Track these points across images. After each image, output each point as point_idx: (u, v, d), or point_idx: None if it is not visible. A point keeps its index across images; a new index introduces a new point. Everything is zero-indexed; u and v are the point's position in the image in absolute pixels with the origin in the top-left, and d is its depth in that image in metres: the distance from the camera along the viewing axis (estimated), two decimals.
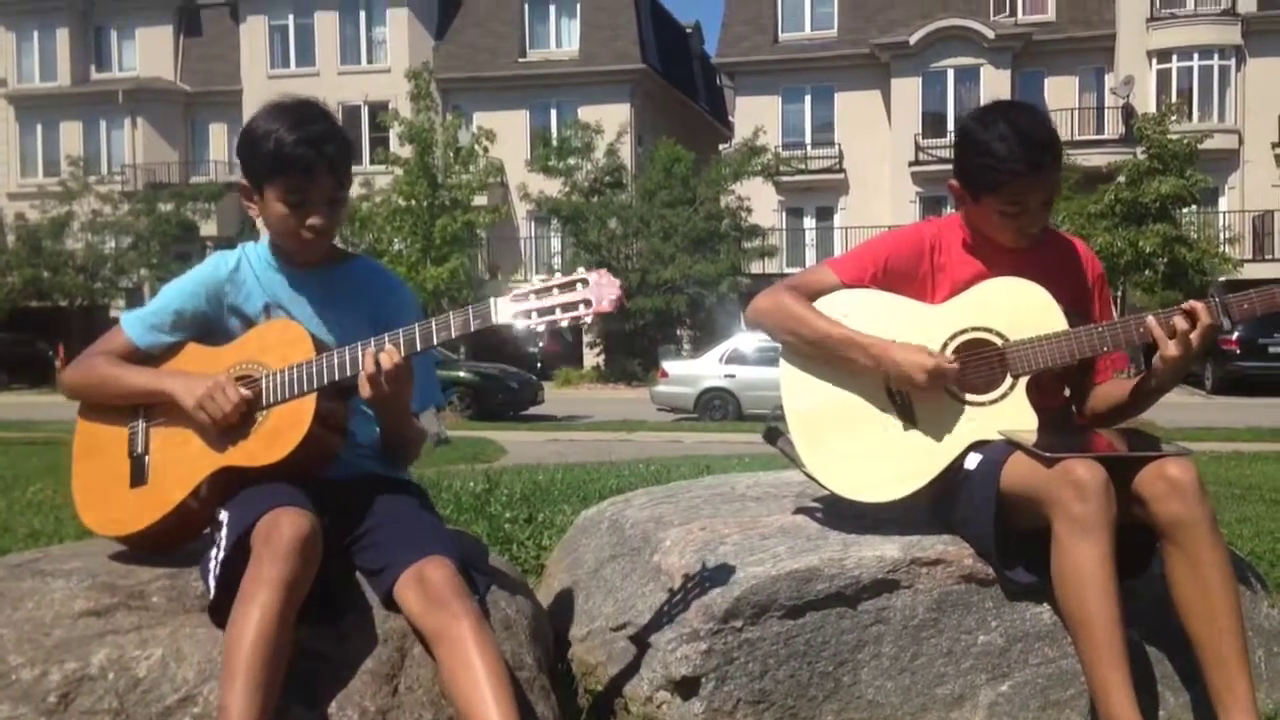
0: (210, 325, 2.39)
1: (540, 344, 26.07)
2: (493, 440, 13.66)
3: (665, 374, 20.81)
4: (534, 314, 2.06)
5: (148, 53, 38.24)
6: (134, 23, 38.35)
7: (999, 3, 32.43)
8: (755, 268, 30.98)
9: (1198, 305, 2.45)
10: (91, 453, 2.38)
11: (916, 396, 2.59)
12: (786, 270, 31.99)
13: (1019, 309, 2.59)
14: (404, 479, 2.53)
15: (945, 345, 2.61)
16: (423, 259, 28.03)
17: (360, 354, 2.18)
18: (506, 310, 2.08)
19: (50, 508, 5.20)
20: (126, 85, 37.30)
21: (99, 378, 2.36)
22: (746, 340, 20.27)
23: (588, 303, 2.04)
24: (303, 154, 2.23)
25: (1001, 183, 2.53)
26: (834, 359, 2.62)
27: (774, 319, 2.69)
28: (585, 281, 2.05)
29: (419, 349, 2.18)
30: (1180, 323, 2.45)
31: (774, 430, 2.79)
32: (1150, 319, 2.50)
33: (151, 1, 37.99)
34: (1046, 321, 2.57)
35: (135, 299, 34.67)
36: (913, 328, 2.60)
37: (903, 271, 2.67)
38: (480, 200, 30.28)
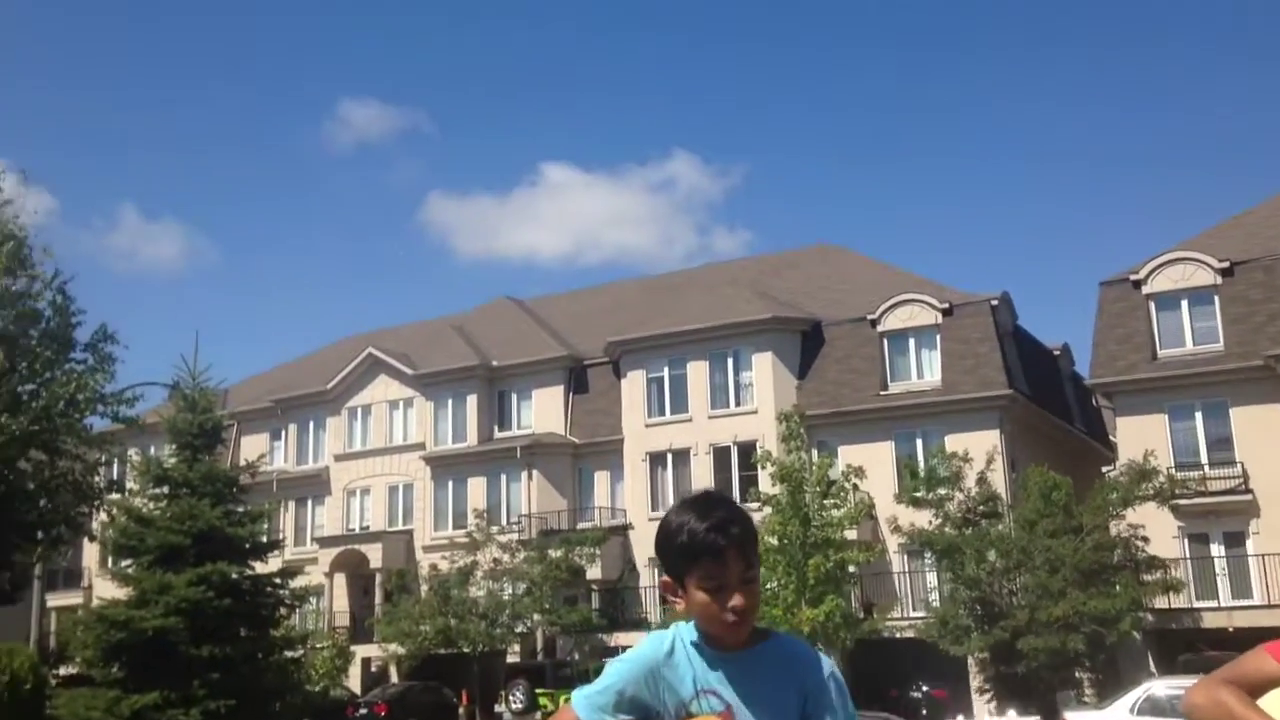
0: (646, 707, 2.49)
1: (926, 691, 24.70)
2: None
3: None
4: None
5: (542, 411, 42.36)
6: (531, 385, 42.87)
7: None
8: (1159, 602, 28.28)
9: None
10: None
11: None
12: (1196, 605, 28.99)
13: None
14: None
15: None
16: (798, 600, 27.85)
17: None
18: None
19: None
20: (524, 441, 41.23)
21: None
22: (1160, 687, 18.28)
23: None
24: (712, 540, 2.38)
25: None
26: None
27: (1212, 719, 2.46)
28: None
29: None
30: None
31: None
32: None
33: (547, 365, 42.50)
34: None
35: (527, 643, 36.60)
36: None
37: None
38: (850, 535, 30.07)
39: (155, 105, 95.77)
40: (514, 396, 43.50)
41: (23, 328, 20.01)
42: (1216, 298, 31.94)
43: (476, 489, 41.74)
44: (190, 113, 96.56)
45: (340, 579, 42.79)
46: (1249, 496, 29.86)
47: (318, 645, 34.74)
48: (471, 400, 43.13)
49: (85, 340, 20.60)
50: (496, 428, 43.29)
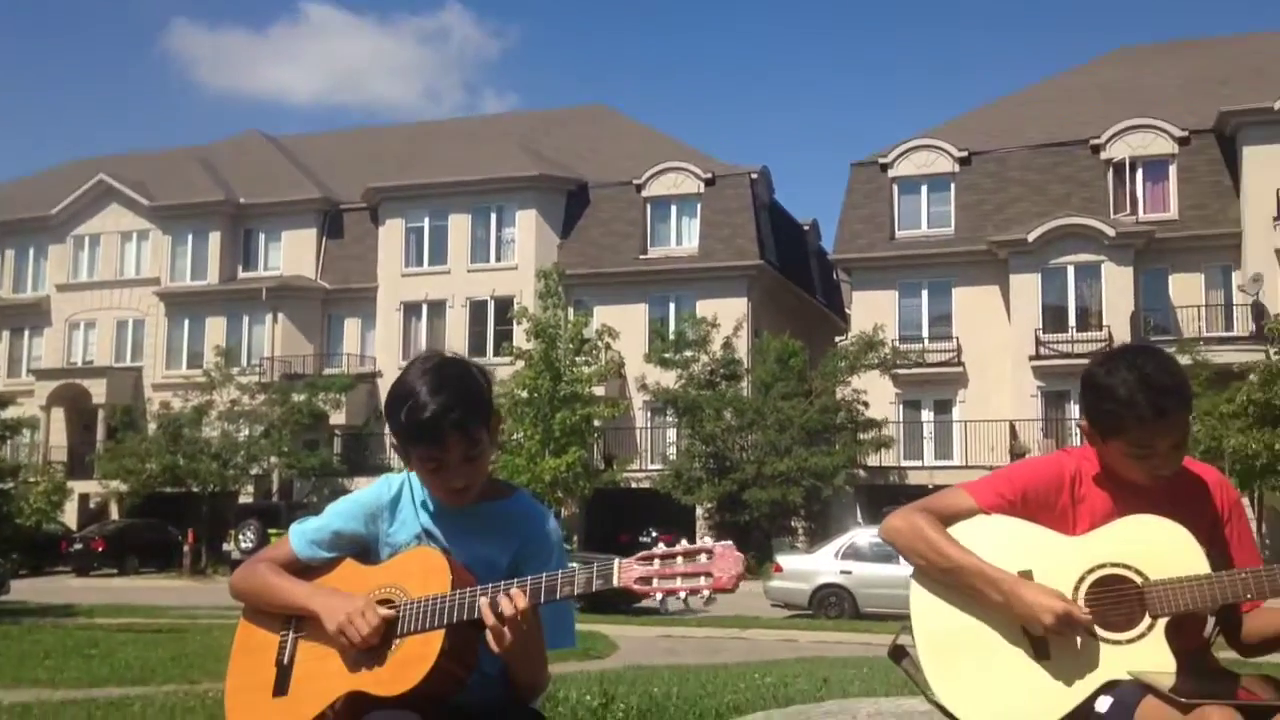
0: (365, 546, 2.46)
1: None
2: (604, 634, 13.50)
3: (780, 568, 20.43)
4: (655, 580, 2.09)
5: (292, 253, 40.64)
6: (281, 226, 40.95)
7: (1119, 201, 32.44)
8: (872, 460, 30.62)
9: None
10: (247, 653, 2.44)
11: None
12: (903, 463, 31.52)
13: (1160, 548, 2.51)
14: (528, 708, 2.52)
15: (1081, 580, 2.52)
16: (541, 450, 28.45)
17: (494, 596, 2.20)
18: (629, 574, 2.11)
19: (182, 710, 5.26)
20: (270, 283, 39.53)
21: (259, 584, 2.44)
22: (863, 535, 19.85)
23: (709, 575, 2.06)
24: (431, 426, 2.28)
25: (1126, 428, 2.50)
26: (965, 588, 2.56)
27: (907, 540, 2.65)
28: (710, 553, 2.07)
29: (542, 600, 2.20)
30: None
31: (900, 649, 2.70)
32: None
33: (299, 206, 40.62)
34: (1188, 562, 2.48)
35: (263, 485, 35.80)
36: (1049, 560, 2.53)
37: (1042, 502, 2.62)
38: (599, 391, 30.79)
39: None
40: (261, 236, 41.49)
41: None
42: (953, 185, 33.99)
43: (216, 329, 39.91)
44: None
45: (59, 414, 40.28)
46: (960, 369, 32.50)
47: (31, 479, 32.87)
48: (214, 237, 40.84)
49: None
50: (241, 267, 41.30)
